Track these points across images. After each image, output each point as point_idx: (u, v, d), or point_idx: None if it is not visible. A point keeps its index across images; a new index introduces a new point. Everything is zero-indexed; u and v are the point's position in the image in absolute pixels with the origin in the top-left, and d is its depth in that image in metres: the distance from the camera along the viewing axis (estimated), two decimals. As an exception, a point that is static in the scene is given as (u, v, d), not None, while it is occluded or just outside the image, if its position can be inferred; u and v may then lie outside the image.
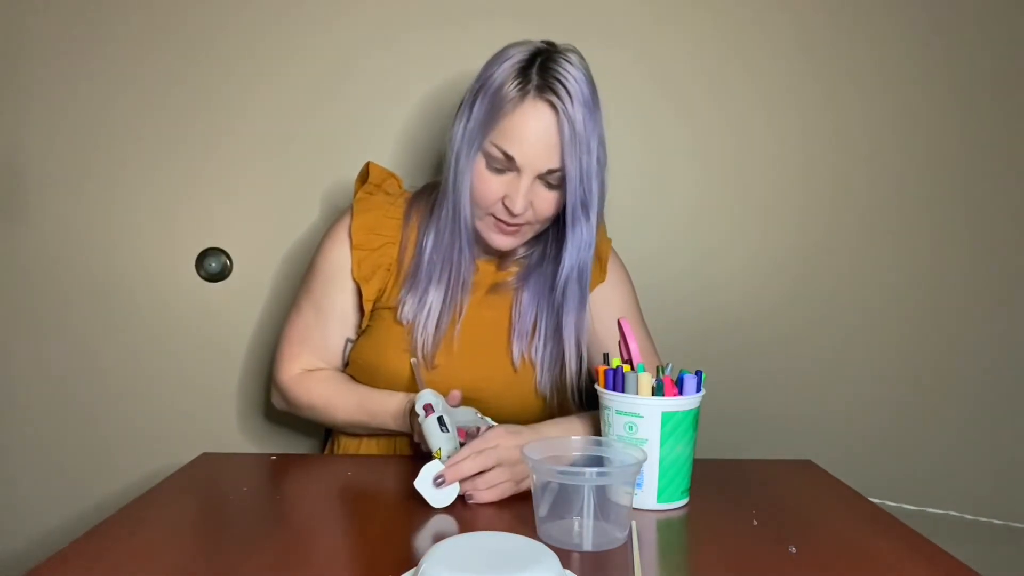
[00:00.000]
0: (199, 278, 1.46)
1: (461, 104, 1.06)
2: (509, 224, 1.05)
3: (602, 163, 1.04)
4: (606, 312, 1.15)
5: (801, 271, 1.51)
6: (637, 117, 1.48)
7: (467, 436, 0.96)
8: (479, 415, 1.03)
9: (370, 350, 1.13)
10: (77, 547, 0.75)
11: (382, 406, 1.08)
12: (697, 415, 0.89)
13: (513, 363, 1.11)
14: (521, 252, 1.16)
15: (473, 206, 1.06)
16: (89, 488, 1.47)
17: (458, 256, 1.09)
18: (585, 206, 1.02)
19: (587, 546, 0.76)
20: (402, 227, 1.14)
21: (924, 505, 1.46)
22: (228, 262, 1.46)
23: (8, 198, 1.43)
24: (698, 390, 0.89)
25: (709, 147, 1.49)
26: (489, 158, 1.02)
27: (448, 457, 0.90)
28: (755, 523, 0.83)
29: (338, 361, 1.18)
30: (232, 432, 1.49)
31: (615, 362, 0.92)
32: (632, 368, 0.91)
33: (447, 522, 0.84)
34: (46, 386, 1.46)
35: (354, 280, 1.13)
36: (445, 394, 1.01)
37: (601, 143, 1.03)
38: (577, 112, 0.98)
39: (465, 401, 1.06)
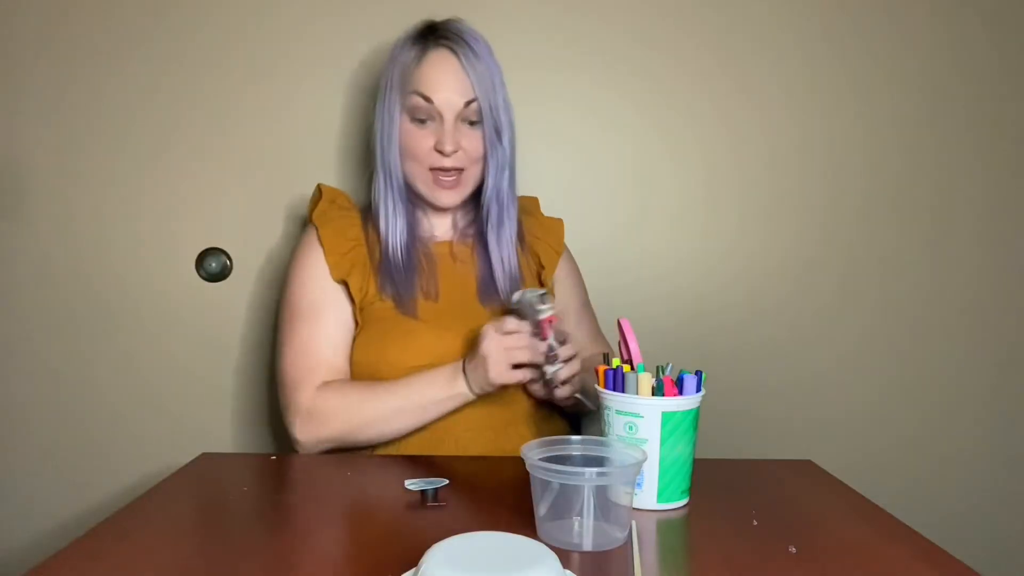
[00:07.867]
0: (199, 278, 1.46)
1: (377, 92, 1.19)
2: (446, 173, 1.15)
3: (508, 105, 1.19)
4: (559, 289, 1.28)
5: (802, 271, 1.51)
6: (639, 118, 1.48)
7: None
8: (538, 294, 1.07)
9: (367, 348, 1.15)
10: (77, 547, 0.75)
11: (434, 377, 1.09)
12: (697, 415, 0.89)
13: (489, 309, 1.17)
14: (463, 219, 1.25)
15: (410, 164, 1.16)
16: (89, 488, 1.47)
17: (393, 207, 1.18)
18: (498, 132, 1.17)
19: (587, 546, 0.76)
20: (363, 231, 1.21)
21: (924, 504, 1.46)
22: (228, 262, 1.46)
23: (7, 198, 1.43)
24: (698, 390, 0.88)
25: (711, 148, 1.49)
26: (412, 110, 1.15)
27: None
28: (755, 523, 0.83)
29: (347, 368, 1.16)
30: (232, 432, 1.49)
31: (615, 362, 0.92)
32: (632, 368, 0.91)
33: (447, 522, 0.84)
34: (46, 386, 1.46)
35: (337, 282, 1.16)
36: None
37: (503, 86, 1.18)
38: (474, 53, 1.15)
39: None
